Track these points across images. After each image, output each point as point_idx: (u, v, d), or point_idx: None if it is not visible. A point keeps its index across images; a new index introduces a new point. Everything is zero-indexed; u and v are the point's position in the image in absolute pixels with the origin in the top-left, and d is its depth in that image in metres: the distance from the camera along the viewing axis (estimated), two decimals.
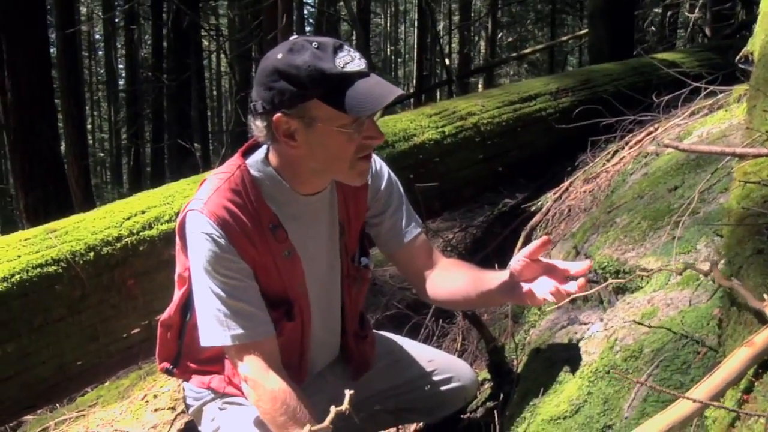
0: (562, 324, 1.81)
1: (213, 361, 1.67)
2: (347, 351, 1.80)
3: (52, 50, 8.38)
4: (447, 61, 11.99)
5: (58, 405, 2.91)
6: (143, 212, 2.22)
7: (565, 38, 13.68)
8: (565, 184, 3.02)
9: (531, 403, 1.58)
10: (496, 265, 1.92)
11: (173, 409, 2.56)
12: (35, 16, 6.33)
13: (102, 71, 27.51)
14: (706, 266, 1.39)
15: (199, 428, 1.75)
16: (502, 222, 3.61)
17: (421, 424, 2.13)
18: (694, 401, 0.90)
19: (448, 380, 1.90)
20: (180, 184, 2.43)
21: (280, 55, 1.40)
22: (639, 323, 1.48)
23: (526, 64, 18.32)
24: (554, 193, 2.99)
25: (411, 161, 2.99)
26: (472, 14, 18.78)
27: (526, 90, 3.82)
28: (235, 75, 10.69)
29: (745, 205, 1.28)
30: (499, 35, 18.50)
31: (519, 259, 1.54)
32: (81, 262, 2.04)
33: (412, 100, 10.27)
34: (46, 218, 2.46)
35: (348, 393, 0.87)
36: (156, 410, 2.60)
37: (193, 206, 1.50)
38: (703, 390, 0.94)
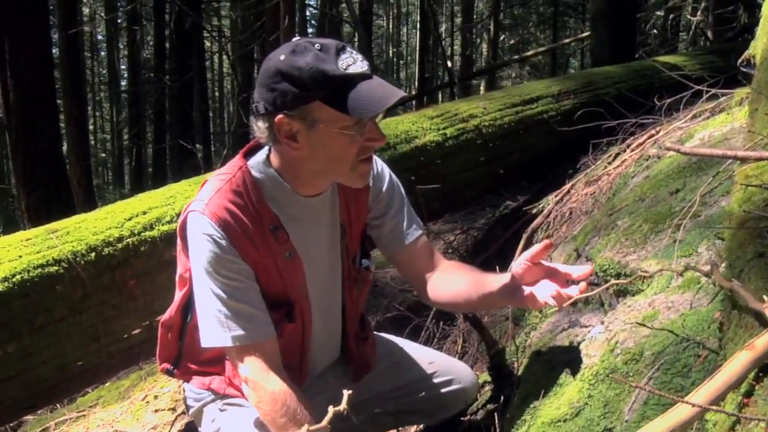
0: (563, 327, 1.81)
1: (213, 362, 1.67)
2: (348, 352, 1.80)
3: (54, 50, 8.40)
4: (449, 63, 12.00)
5: (58, 405, 2.91)
6: (144, 213, 2.22)
7: (567, 41, 13.68)
8: (567, 186, 3.01)
9: (531, 405, 1.58)
10: (498, 268, 1.92)
11: (174, 410, 2.56)
12: (38, 16, 6.34)
13: (104, 72, 27.58)
14: (706, 269, 1.39)
15: (200, 429, 1.75)
16: (504, 224, 3.61)
17: (421, 426, 2.13)
18: (694, 405, 0.90)
19: (448, 382, 1.90)
20: (181, 185, 2.43)
21: (282, 57, 1.40)
22: (641, 324, 1.48)
23: (528, 66, 18.32)
24: (556, 196, 2.99)
25: (412, 163, 2.99)
26: (475, 16, 18.77)
27: (528, 92, 3.82)
28: (237, 76, 10.70)
29: (746, 209, 1.28)
30: (502, 37, 18.50)
31: (520, 262, 1.54)
32: (82, 262, 2.05)
33: (413, 102, 10.27)
34: (48, 218, 2.46)
35: (346, 393, 0.87)
36: (156, 411, 2.61)
37: (195, 207, 1.50)
38: (703, 394, 0.94)
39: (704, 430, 1.09)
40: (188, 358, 1.71)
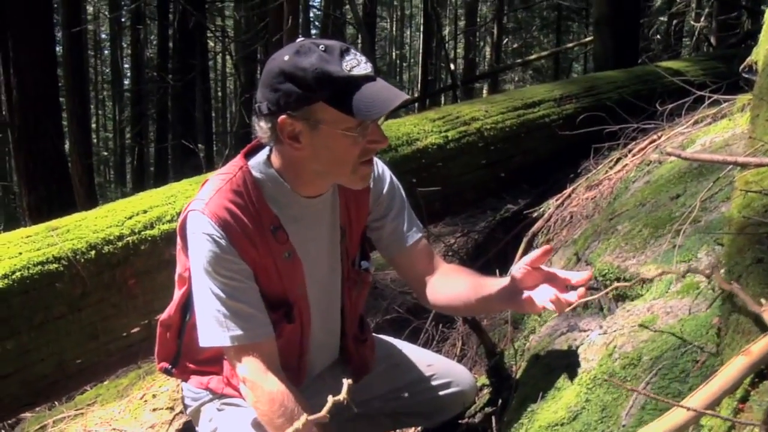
0: (561, 330, 1.81)
1: (212, 361, 1.67)
2: (346, 354, 1.80)
3: (57, 49, 8.40)
4: (452, 66, 12.01)
5: (56, 403, 2.91)
6: (145, 212, 2.22)
7: (570, 45, 13.69)
8: (568, 190, 3.02)
9: (529, 409, 1.58)
10: (498, 271, 1.92)
11: (172, 409, 2.56)
12: (41, 15, 6.34)
13: (107, 70, 27.64)
14: (707, 273, 1.39)
15: (197, 429, 1.75)
16: (504, 228, 3.61)
17: (419, 428, 2.13)
18: (689, 409, 0.90)
19: (447, 385, 1.90)
20: (182, 184, 2.44)
21: (286, 57, 1.41)
22: (642, 326, 1.48)
23: (531, 70, 18.31)
24: (556, 200, 2.99)
25: (414, 165, 3.00)
26: (478, 20, 18.79)
27: (530, 96, 3.83)
28: (240, 76, 10.70)
29: (746, 214, 1.28)
30: (505, 41, 18.51)
31: (520, 266, 1.54)
32: (82, 260, 2.05)
33: (416, 104, 10.28)
34: (49, 216, 2.46)
35: (346, 382, 0.86)
36: (154, 410, 2.61)
37: (195, 206, 1.50)
38: (699, 398, 0.94)
39: None
40: (186, 357, 1.71)
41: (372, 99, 1.39)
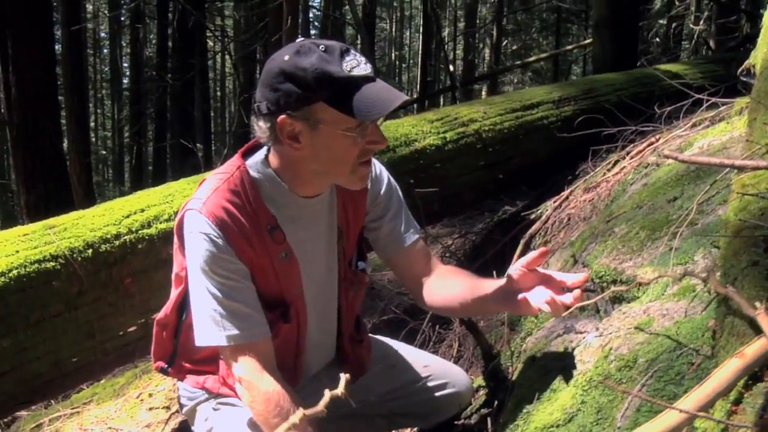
0: (558, 332, 1.81)
1: (208, 361, 1.67)
2: (343, 354, 1.80)
3: (57, 47, 8.40)
4: (451, 68, 12.02)
5: (52, 401, 2.91)
6: (143, 211, 2.22)
7: (569, 47, 13.70)
8: (566, 192, 3.02)
9: (525, 410, 1.58)
10: (495, 272, 1.92)
11: (168, 408, 2.56)
12: (41, 13, 6.34)
13: (106, 69, 27.60)
14: (703, 276, 1.39)
15: (193, 428, 1.75)
16: (502, 229, 3.61)
17: (415, 429, 2.13)
18: (682, 411, 0.90)
19: (443, 386, 1.90)
20: (180, 183, 2.44)
21: (286, 57, 1.41)
22: (638, 328, 1.48)
23: (530, 72, 18.35)
24: (554, 202, 3.00)
25: (412, 166, 3.00)
26: (478, 21, 18.81)
27: (529, 98, 3.83)
28: (239, 76, 10.70)
29: (742, 217, 1.28)
30: (504, 43, 18.53)
31: (517, 268, 1.54)
32: (79, 258, 2.05)
33: (415, 105, 10.28)
34: (47, 215, 2.46)
35: (343, 377, 0.85)
36: (151, 409, 2.61)
37: (192, 206, 1.50)
38: (692, 400, 0.94)
39: None
40: (183, 356, 1.71)
41: (372, 99, 1.39)
